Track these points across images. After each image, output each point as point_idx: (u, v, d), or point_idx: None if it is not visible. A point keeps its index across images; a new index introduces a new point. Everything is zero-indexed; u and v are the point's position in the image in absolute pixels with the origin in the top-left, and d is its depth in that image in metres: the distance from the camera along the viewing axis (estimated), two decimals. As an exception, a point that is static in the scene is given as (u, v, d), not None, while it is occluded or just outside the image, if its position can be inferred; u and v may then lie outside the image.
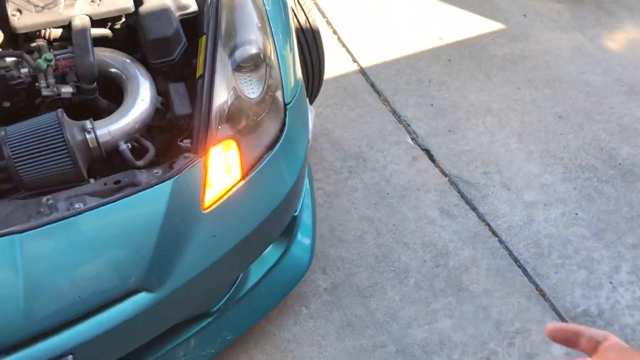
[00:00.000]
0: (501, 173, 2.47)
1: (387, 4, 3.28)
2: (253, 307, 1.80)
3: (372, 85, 2.79)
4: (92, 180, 1.41)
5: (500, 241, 2.24)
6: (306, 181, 2.00)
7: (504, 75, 2.92)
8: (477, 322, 2.02)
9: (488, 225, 2.28)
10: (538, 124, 2.69)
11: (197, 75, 1.54)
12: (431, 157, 2.50)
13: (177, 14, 1.60)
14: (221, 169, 1.48)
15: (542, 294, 2.12)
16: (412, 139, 2.57)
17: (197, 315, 1.67)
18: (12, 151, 1.33)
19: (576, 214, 2.36)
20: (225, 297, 1.68)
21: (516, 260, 2.20)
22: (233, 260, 1.53)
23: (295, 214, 1.82)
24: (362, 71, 2.85)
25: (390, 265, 2.14)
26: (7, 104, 1.48)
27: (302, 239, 1.97)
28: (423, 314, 2.02)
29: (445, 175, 2.44)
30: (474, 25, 3.18)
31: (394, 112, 2.67)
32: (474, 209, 2.33)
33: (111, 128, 1.44)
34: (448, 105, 2.74)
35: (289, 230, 1.85)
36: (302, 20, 2.08)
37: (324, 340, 1.94)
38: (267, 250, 1.79)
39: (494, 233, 2.26)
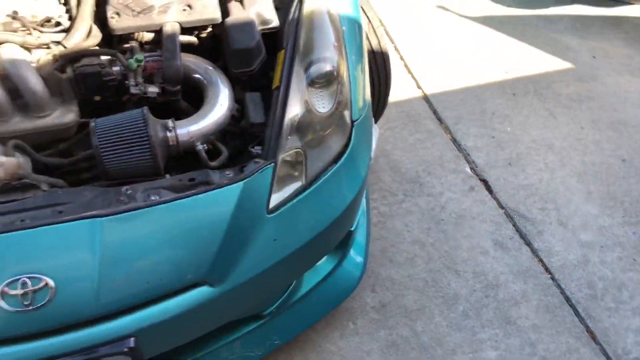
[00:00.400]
0: (559, 211, 2.45)
1: (455, 35, 3.33)
2: (303, 315, 1.84)
3: (435, 112, 2.82)
4: (167, 176, 1.50)
5: (553, 278, 2.22)
6: (363, 199, 2.04)
7: (568, 114, 2.91)
8: (523, 356, 2.00)
9: (541, 261, 2.26)
10: (600, 166, 2.66)
11: (273, 87, 1.62)
12: (489, 188, 2.51)
13: (260, 27, 1.69)
14: (287, 177, 1.54)
15: (593, 336, 2.08)
16: (471, 168, 2.58)
17: (250, 316, 1.73)
18: (99, 141, 1.43)
19: (634, 259, 2.32)
20: (279, 302, 1.73)
21: (568, 299, 2.17)
22: (290, 265, 1.59)
23: (351, 229, 1.87)
24: (426, 98, 2.89)
25: (440, 291, 2.15)
26: (97, 98, 1.59)
27: (355, 255, 2.01)
28: (468, 342, 2.02)
29: (502, 207, 2.44)
30: (541, 62, 3.19)
31: (455, 141, 2.69)
32: (529, 243, 2.32)
33: (190, 129, 1.53)
34: (509, 138, 2.74)
35: (343, 245, 1.89)
36: (374, 43, 2.14)
37: (368, 357, 1.97)
38: (321, 261, 1.84)
39: (547, 270, 2.24)
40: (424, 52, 3.16)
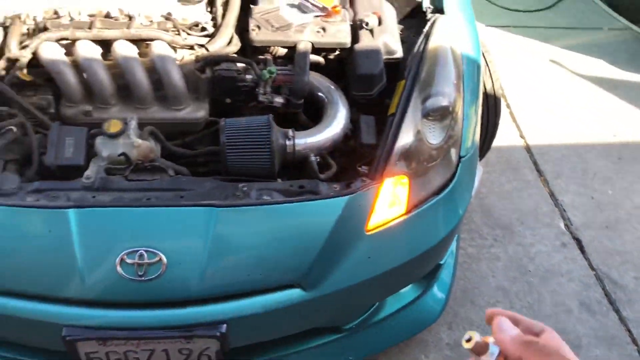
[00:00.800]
0: (654, 283, 2.36)
1: (565, 90, 3.29)
2: (379, 337, 1.88)
3: (535, 163, 2.80)
4: (279, 180, 1.60)
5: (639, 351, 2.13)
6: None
7: (677, 187, 2.79)
8: None
9: (629, 331, 2.18)
10: None
11: (389, 113, 1.69)
12: (581, 248, 2.45)
13: (385, 57, 1.78)
14: (389, 200, 1.60)
15: (675, 419, 1.98)
16: (566, 225, 2.54)
17: (330, 328, 1.79)
18: (226, 138, 1.56)
19: None
20: (359, 319, 1.78)
21: (653, 376, 2.07)
22: (378, 285, 1.64)
23: (440, 263, 1.90)
24: (528, 148, 2.88)
25: (517, 341, 2.11)
26: (228, 101, 1.73)
27: (438, 289, 2.02)
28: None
29: (593, 269, 2.38)
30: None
31: (552, 195, 2.66)
32: (617, 310, 2.24)
33: (307, 140, 1.63)
34: (610, 201, 2.67)
35: (429, 277, 1.92)
36: (489, 86, 2.18)
37: (435, 393, 1.97)
38: (405, 289, 1.87)
39: (634, 341, 2.16)
40: (531, 102, 3.15)
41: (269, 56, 1.76)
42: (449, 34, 1.82)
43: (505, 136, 2.91)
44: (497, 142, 2.79)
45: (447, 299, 2.04)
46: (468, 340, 0.57)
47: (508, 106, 3.11)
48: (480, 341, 0.57)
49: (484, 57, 2.18)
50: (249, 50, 1.82)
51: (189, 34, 1.75)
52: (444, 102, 1.69)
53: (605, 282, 2.33)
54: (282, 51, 1.78)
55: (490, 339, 0.59)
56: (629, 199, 2.70)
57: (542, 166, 2.79)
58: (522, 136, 2.95)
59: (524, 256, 2.39)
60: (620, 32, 3.87)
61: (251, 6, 1.85)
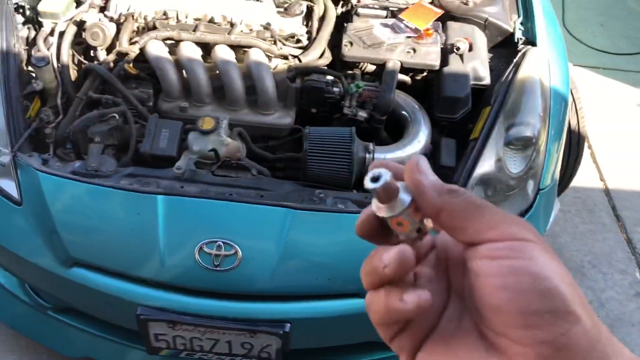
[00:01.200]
0: None
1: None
2: None
3: (614, 208, 2.71)
4: (354, 191, 1.64)
5: None
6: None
7: None
8: None
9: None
10: None
11: (471, 138, 1.71)
12: (656, 300, 2.35)
13: (472, 82, 1.80)
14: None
15: None
16: (641, 274, 2.44)
17: (383, 345, 1.79)
18: (309, 146, 1.62)
19: None
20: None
21: None
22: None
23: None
24: (607, 191, 2.79)
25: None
26: (314, 111, 1.80)
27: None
28: None
29: (667, 323, 2.27)
30: None
31: (629, 242, 2.56)
32: (690, 370, 2.12)
33: (387, 156, 1.66)
34: (691, 257, 2.55)
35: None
36: (573, 123, 2.15)
37: None
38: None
39: None
40: (615, 146, 3.06)
41: (357, 71, 1.82)
42: (539, 66, 1.81)
43: (584, 177, 2.83)
44: (575, 183, 2.73)
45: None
46: (375, 179, 0.39)
47: (590, 147, 3.03)
48: (390, 182, 0.39)
49: (571, 94, 2.15)
50: (339, 65, 1.88)
51: (284, 45, 1.83)
52: (528, 132, 1.69)
53: (680, 339, 2.22)
54: (370, 68, 1.84)
55: (401, 184, 0.40)
56: None
57: (621, 211, 2.70)
58: (602, 179, 2.87)
59: (594, 300, 2.31)
60: None
61: (345, 24, 1.93)
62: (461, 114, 1.77)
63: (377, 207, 0.41)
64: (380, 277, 0.40)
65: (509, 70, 1.79)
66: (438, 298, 0.42)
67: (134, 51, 1.78)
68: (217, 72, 1.78)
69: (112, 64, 1.80)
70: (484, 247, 0.37)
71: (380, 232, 0.42)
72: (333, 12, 1.96)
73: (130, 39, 1.83)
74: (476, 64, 1.82)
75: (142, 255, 1.53)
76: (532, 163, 1.70)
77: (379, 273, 0.40)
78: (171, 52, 1.82)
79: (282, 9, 1.91)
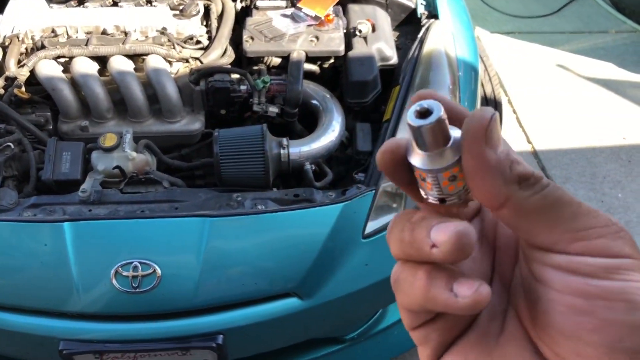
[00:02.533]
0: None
1: (573, 95, 3.25)
2: (383, 346, 1.85)
3: (543, 169, 2.76)
4: (274, 189, 1.60)
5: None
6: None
7: (689, 189, 2.73)
8: None
9: None
10: None
11: (384, 119, 1.69)
12: (591, 253, 2.40)
13: (379, 63, 1.78)
14: (386, 206, 1.59)
15: None
16: (574, 230, 2.49)
17: (331, 339, 1.77)
18: (220, 149, 1.56)
19: None
20: (361, 329, 1.76)
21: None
22: (377, 292, 1.61)
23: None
24: (535, 153, 2.84)
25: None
26: (223, 112, 1.74)
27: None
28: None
29: (604, 274, 2.32)
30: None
31: (560, 200, 2.62)
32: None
33: (302, 149, 1.63)
34: (619, 205, 2.62)
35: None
36: (488, 90, 2.17)
37: (442, 403, 1.92)
38: (408, 296, 1.84)
39: None
40: (538, 108, 3.12)
41: (262, 66, 1.77)
42: (443, 39, 1.81)
43: (512, 142, 2.87)
44: (502, 148, 2.77)
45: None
46: (423, 114, 0.28)
47: (514, 112, 3.08)
48: (444, 120, 0.28)
49: (482, 62, 2.17)
50: (244, 61, 1.83)
51: (183, 47, 1.76)
52: (439, 106, 1.68)
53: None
54: (276, 61, 1.79)
55: (452, 129, 0.29)
56: (639, 202, 2.64)
57: (550, 171, 2.75)
58: (529, 141, 2.92)
59: (532, 262, 2.34)
60: (627, 34, 3.83)
61: (246, 18, 1.87)
62: (372, 96, 1.75)
63: (415, 154, 0.29)
64: (422, 255, 0.29)
65: (414, 47, 1.78)
66: None
67: (23, 74, 1.68)
68: (116, 85, 1.69)
69: (1, 91, 1.69)
70: (562, 257, 0.28)
71: (406, 180, 0.31)
72: (232, 9, 1.90)
73: (19, 61, 1.72)
74: (381, 45, 1.79)
75: (55, 287, 1.44)
76: (448, 136, 1.69)
77: (422, 250, 0.29)
78: (66, 70, 1.73)
79: (177, 12, 1.84)
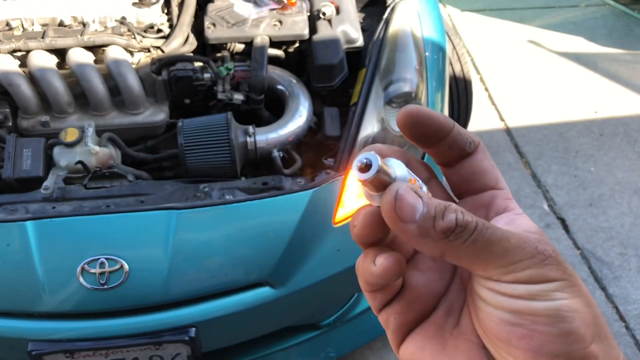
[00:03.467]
0: (640, 258, 2.33)
1: (545, 70, 3.26)
2: (360, 330, 1.85)
3: (516, 146, 2.77)
4: (243, 178, 1.57)
5: (627, 327, 2.10)
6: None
7: (660, 160, 2.76)
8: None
9: (616, 308, 2.15)
10: (692, 216, 2.51)
11: (351, 103, 1.67)
12: (565, 227, 2.42)
13: (345, 46, 1.75)
14: (356, 190, 1.58)
15: (667, 394, 1.95)
16: (549, 205, 2.51)
17: (307, 325, 1.76)
18: (184, 139, 1.53)
19: None
20: (337, 314, 1.75)
21: (642, 352, 2.04)
22: (350, 277, 1.61)
23: (417, 251, 1.87)
24: (508, 130, 2.85)
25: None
26: (187, 101, 1.70)
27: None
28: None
29: (578, 248, 2.35)
30: (634, 103, 3.06)
31: (534, 176, 2.63)
32: (603, 288, 2.21)
33: (269, 136, 1.60)
34: (592, 178, 2.64)
35: (407, 266, 1.89)
36: (457, 69, 2.15)
37: (422, 383, 1.93)
38: (383, 279, 1.84)
39: (622, 318, 2.13)
40: (510, 85, 3.12)
41: (226, 53, 1.73)
42: (409, 19, 1.79)
43: (484, 120, 2.88)
44: (477, 126, 2.77)
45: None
46: (364, 169, 0.32)
47: (487, 89, 3.08)
48: (382, 168, 0.32)
49: (450, 40, 2.15)
50: (208, 49, 1.79)
51: (144, 37, 1.72)
52: (406, 87, 1.67)
53: (591, 260, 2.30)
54: (239, 47, 1.76)
55: (393, 163, 0.34)
56: (612, 174, 2.66)
57: (523, 148, 2.76)
58: (502, 119, 2.92)
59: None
60: (597, 7, 3.84)
61: (208, 4, 1.83)
62: (339, 80, 1.73)
63: (370, 198, 0.35)
64: (355, 237, 0.37)
65: (379, 28, 1.75)
66: (438, 281, 0.38)
67: (-23, 70, 1.63)
68: (75, 78, 1.65)
69: (-44, 89, 1.64)
70: (496, 284, 0.33)
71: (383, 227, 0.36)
72: (193, -5, 1.85)
73: (-27, 57, 1.67)
74: (346, 27, 1.77)
75: (21, 288, 1.40)
76: (416, 118, 1.67)
77: (352, 233, 0.37)
78: (23, 65, 1.68)
79: (137, 0, 1.79)
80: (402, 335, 0.38)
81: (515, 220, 0.36)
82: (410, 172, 0.35)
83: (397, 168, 0.34)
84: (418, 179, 0.36)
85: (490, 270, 0.32)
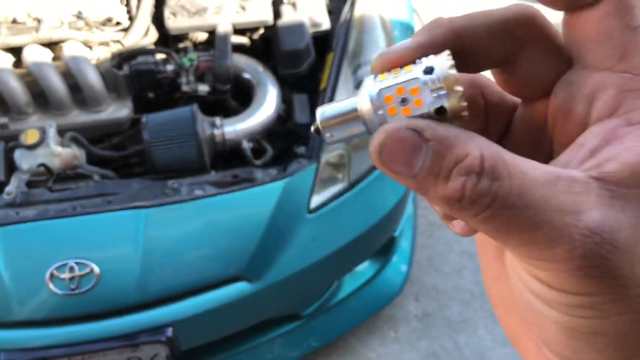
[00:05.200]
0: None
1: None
2: (342, 318, 1.84)
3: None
4: (213, 172, 1.53)
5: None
6: (409, 207, 2.02)
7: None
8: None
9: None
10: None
11: (321, 88, 1.63)
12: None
13: (311, 30, 1.71)
14: (330, 178, 1.55)
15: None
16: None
17: (288, 317, 1.74)
18: (149, 135, 1.49)
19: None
20: (317, 303, 1.73)
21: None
22: (329, 266, 1.59)
23: (395, 235, 1.85)
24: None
25: (486, 304, 2.09)
26: (151, 95, 1.65)
27: (398, 262, 1.98)
28: (512, 358, 1.95)
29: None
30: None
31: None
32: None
33: (237, 127, 1.56)
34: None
35: (386, 250, 1.87)
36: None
37: (407, 366, 1.93)
38: (362, 266, 1.82)
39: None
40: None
41: (188, 43, 1.68)
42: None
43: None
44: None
45: (408, 269, 2.00)
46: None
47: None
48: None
49: (419, 18, 2.12)
50: (170, 40, 1.74)
51: (102, 30, 1.66)
52: (376, 70, 1.63)
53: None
54: (202, 37, 1.71)
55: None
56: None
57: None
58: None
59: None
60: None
61: (168, -6, 1.77)
62: (307, 65, 1.69)
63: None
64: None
65: (346, 10, 1.71)
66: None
67: None
68: (33, 76, 1.59)
69: None
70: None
71: None
72: (151, -15, 1.79)
73: None
74: (311, 11, 1.73)
75: (-11, 298, 1.36)
76: (387, 100, 1.65)
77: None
78: (-23, 65, 1.61)
79: (93, -8, 1.72)
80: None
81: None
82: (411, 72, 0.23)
83: (368, 87, 0.24)
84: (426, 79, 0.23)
85: (522, 259, 0.23)
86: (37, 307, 1.35)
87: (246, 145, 1.56)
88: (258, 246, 1.43)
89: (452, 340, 1.99)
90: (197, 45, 1.71)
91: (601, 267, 0.21)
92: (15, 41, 1.59)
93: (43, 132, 1.49)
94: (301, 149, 1.57)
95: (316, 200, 1.51)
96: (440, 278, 2.16)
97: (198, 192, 1.43)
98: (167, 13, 1.68)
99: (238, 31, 1.71)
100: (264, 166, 1.55)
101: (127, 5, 1.76)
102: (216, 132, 1.53)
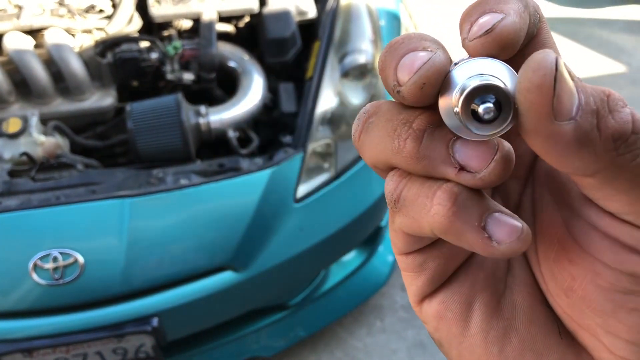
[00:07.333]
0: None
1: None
2: (328, 308, 1.84)
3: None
4: (198, 161, 1.52)
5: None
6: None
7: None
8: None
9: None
10: None
11: (306, 77, 1.62)
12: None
13: (297, 18, 1.70)
14: (317, 168, 1.54)
15: None
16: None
17: (275, 306, 1.74)
18: (134, 124, 1.47)
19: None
20: (304, 293, 1.73)
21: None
22: (315, 255, 1.59)
23: (381, 225, 1.85)
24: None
25: (471, 292, 2.10)
26: (135, 83, 1.63)
27: (385, 252, 1.99)
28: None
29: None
30: (593, 63, 3.08)
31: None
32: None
33: (223, 116, 1.55)
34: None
35: (372, 240, 1.88)
36: (414, 38, 2.12)
37: (394, 356, 1.94)
38: (349, 256, 1.83)
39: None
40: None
41: (173, 31, 1.66)
42: (361, -13, 1.74)
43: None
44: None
45: (395, 260, 2.00)
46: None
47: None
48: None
49: (406, 8, 2.11)
50: (154, 27, 1.72)
51: (85, 18, 1.64)
52: (362, 59, 1.63)
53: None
54: (187, 24, 1.69)
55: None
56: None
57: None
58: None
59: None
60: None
61: (152, -19, 1.75)
62: (293, 54, 1.68)
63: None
64: (438, 173, 0.23)
65: (331, -1, 1.70)
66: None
67: None
68: (14, 64, 1.56)
69: None
70: (630, 230, 0.22)
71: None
72: (136, -28, 1.77)
73: None
74: (297, -1, 1.71)
75: (-29, 289, 1.35)
76: (374, 90, 1.64)
77: (440, 171, 0.23)
78: (-44, 53, 1.59)
79: (75, -21, 1.70)
80: (438, 283, 0.27)
81: None
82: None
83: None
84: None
85: None
86: (21, 298, 1.33)
87: (232, 134, 1.55)
88: (244, 235, 1.42)
89: (438, 328, 2.00)
90: (181, 33, 1.69)
91: None
92: (-5, 28, 1.57)
93: (25, 120, 1.47)
94: (287, 138, 1.56)
95: (302, 189, 1.51)
96: (426, 267, 2.16)
97: (183, 182, 1.42)
98: (151, 0, 1.66)
99: (223, 19, 1.69)
100: (250, 155, 1.54)
101: (111, -8, 1.74)
102: (201, 120, 1.51)
